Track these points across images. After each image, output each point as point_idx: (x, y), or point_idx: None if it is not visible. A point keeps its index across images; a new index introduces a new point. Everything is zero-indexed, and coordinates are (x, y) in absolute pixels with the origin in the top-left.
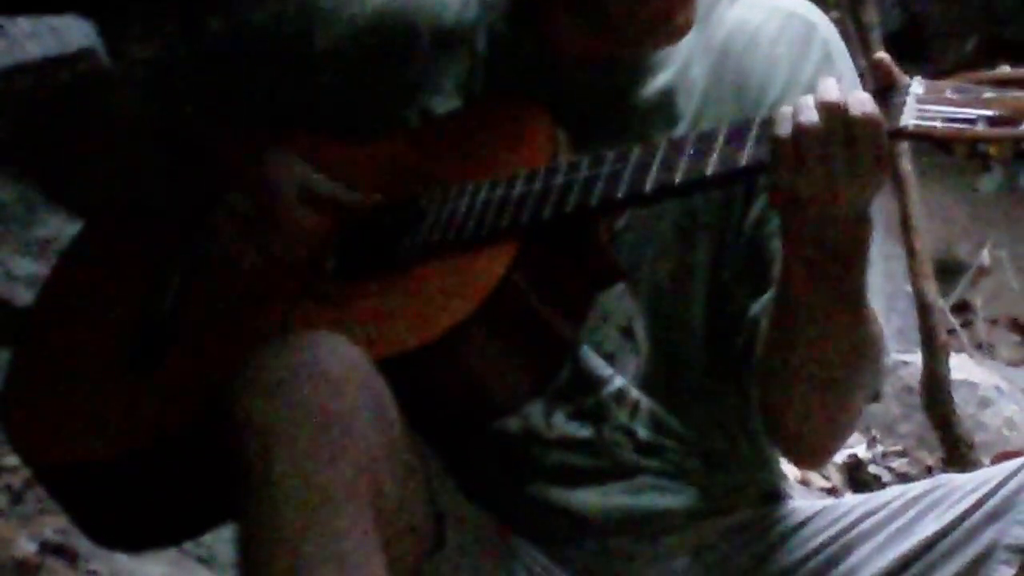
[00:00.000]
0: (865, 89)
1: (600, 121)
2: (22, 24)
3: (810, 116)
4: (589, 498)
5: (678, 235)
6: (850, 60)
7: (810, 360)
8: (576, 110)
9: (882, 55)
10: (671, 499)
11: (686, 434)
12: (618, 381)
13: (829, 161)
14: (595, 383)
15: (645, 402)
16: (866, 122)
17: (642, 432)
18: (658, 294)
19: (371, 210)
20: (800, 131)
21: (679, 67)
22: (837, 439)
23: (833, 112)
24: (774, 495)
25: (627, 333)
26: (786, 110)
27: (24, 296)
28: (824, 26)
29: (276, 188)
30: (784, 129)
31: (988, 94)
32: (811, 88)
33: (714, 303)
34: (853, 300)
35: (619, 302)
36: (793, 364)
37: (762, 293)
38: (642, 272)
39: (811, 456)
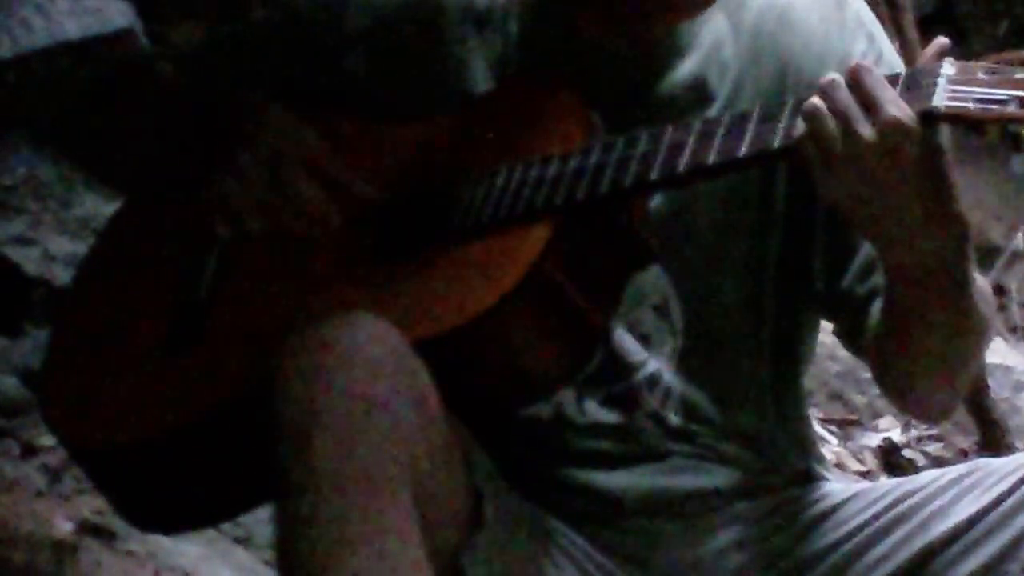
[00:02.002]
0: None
1: (631, 104)
2: (61, 4)
3: (815, 117)
4: (622, 480)
5: (714, 213)
6: (883, 31)
7: (922, 344)
8: (607, 93)
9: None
10: (705, 479)
11: (719, 416)
12: (651, 366)
13: (855, 155)
14: (628, 368)
15: (677, 387)
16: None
17: (673, 419)
18: (692, 274)
19: (382, 203)
20: (810, 135)
21: (709, 50)
22: (957, 398)
23: (836, 105)
24: (809, 476)
25: (663, 312)
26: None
27: (62, 276)
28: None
29: (277, 149)
30: (799, 131)
31: (1020, 75)
32: (847, 59)
33: (749, 282)
34: (957, 300)
35: (655, 281)
36: (905, 347)
37: (844, 266)
38: (677, 252)
39: (931, 416)
